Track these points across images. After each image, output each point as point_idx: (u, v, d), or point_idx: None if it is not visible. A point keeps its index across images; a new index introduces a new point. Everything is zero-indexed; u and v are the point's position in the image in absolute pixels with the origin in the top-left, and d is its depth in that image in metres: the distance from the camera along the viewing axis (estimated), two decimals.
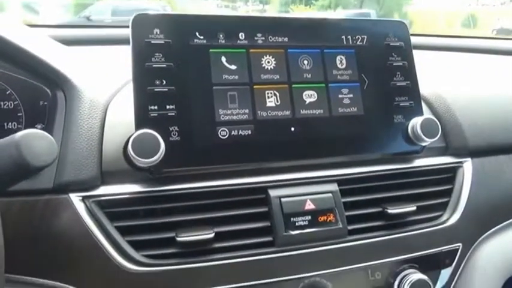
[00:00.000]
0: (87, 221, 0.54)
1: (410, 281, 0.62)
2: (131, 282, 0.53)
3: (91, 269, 0.53)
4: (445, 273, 0.68)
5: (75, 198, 0.54)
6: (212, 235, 0.55)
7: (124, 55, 0.60)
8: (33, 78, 0.60)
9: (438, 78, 0.84)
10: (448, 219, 0.67)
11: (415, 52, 0.70)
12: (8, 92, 0.60)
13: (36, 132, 0.44)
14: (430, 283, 0.63)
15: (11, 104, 0.60)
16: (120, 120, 0.59)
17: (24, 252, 0.53)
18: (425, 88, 0.74)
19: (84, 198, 0.54)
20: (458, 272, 0.69)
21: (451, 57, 1.16)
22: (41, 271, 0.54)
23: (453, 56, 1.17)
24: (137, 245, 0.55)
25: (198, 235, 0.55)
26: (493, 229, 0.72)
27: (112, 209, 0.55)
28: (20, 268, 0.53)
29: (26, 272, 0.53)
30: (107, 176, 0.56)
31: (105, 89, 0.63)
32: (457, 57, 1.17)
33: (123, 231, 0.55)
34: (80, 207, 0.54)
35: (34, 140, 0.43)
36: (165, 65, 0.58)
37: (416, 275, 0.63)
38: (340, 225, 0.61)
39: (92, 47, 0.88)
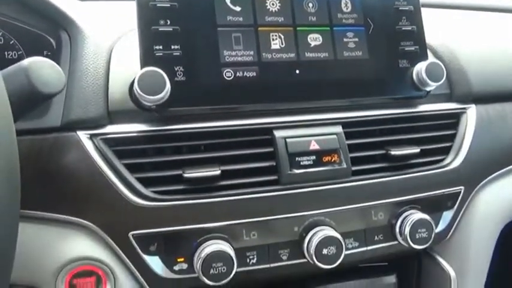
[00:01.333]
0: (96, 159, 0.54)
1: (412, 221, 0.63)
2: (140, 216, 0.55)
3: (101, 203, 0.55)
4: (447, 216, 0.69)
5: (83, 135, 0.55)
6: (218, 172, 0.56)
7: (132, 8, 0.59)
8: (37, 24, 0.60)
9: (444, 30, 0.83)
10: (450, 162, 0.68)
11: (423, 10, 0.69)
12: (11, 42, 0.60)
13: (43, 60, 0.44)
14: (432, 222, 0.64)
15: (14, 54, 0.60)
16: (126, 62, 0.59)
17: (35, 189, 0.54)
18: (430, 37, 0.74)
19: (92, 136, 0.55)
20: (460, 215, 0.70)
21: (457, 15, 1.15)
22: (52, 206, 0.55)
23: (460, 14, 1.16)
24: (145, 182, 0.56)
25: (205, 172, 0.56)
26: (495, 174, 0.73)
27: (120, 147, 0.56)
28: (32, 204, 0.54)
29: (38, 208, 0.55)
30: (113, 115, 0.57)
31: (110, 33, 0.63)
32: (463, 14, 1.15)
33: (132, 168, 0.56)
34: (88, 145, 0.55)
35: (42, 68, 0.44)
36: (169, 5, 0.57)
37: (418, 215, 0.64)
38: (344, 166, 0.62)
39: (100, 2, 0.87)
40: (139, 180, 0.56)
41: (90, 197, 0.55)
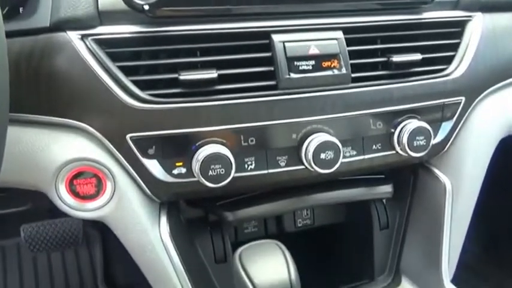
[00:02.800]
0: (89, 60, 0.53)
1: (410, 129, 0.63)
2: (137, 119, 0.54)
3: (97, 106, 0.54)
4: (446, 127, 0.69)
5: (74, 36, 0.53)
6: (215, 75, 0.55)
7: None
8: None
9: None
10: (452, 72, 0.67)
11: None
12: None
13: None
14: (430, 130, 0.64)
15: None
16: None
17: (29, 92, 0.53)
18: None
19: (83, 37, 0.53)
20: (459, 127, 0.70)
21: None
22: (47, 109, 0.54)
23: None
24: (141, 85, 0.55)
25: (201, 74, 0.55)
26: (496, 86, 0.72)
27: (113, 49, 0.54)
28: (27, 108, 0.54)
29: (33, 111, 0.54)
30: (104, 16, 0.54)
31: None
32: None
33: (126, 71, 0.54)
34: (80, 46, 0.53)
35: None
36: None
37: (417, 123, 0.63)
38: (344, 71, 0.60)
39: None
40: (135, 83, 0.54)
41: (85, 99, 0.54)
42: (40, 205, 1.38)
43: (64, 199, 0.55)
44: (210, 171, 0.55)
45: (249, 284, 0.49)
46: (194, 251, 0.69)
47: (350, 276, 0.79)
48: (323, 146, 0.59)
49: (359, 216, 0.82)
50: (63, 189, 0.55)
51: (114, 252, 1.69)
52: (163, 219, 0.61)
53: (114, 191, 0.57)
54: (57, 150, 0.54)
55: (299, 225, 0.85)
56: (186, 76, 0.54)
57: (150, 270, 0.60)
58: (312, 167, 0.59)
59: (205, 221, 0.74)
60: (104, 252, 1.68)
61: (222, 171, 0.55)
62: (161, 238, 0.60)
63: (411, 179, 0.77)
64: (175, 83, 0.55)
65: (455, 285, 0.72)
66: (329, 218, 0.87)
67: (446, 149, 0.71)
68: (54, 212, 1.66)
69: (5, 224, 1.53)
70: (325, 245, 0.88)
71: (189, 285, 0.61)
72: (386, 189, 0.74)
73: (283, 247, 0.53)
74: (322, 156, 0.59)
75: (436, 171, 0.73)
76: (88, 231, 1.70)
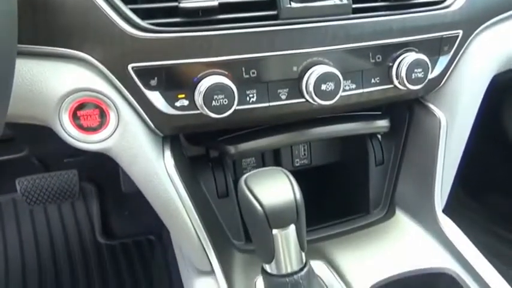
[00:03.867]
0: None
1: (409, 61, 0.64)
2: (138, 48, 0.54)
3: (96, 35, 0.53)
4: (443, 60, 0.69)
5: None
6: (216, 4, 0.54)
7: None
8: None
9: None
10: (451, 4, 0.67)
11: None
12: None
13: None
14: (428, 62, 0.65)
15: None
16: None
17: (25, 22, 0.52)
18: None
19: None
20: (455, 61, 0.71)
21: None
22: (46, 40, 0.53)
23: None
24: (140, 14, 0.54)
25: (201, 2, 0.54)
26: (494, 19, 0.72)
27: None
28: (26, 38, 0.52)
29: (32, 42, 0.53)
30: None
31: None
32: None
33: None
34: None
35: None
36: None
37: (415, 56, 0.64)
38: (345, 1, 0.60)
39: None
40: (134, 11, 0.53)
41: (84, 28, 0.53)
42: (37, 152, 1.37)
43: (69, 131, 0.55)
44: (213, 101, 0.56)
45: (255, 203, 0.51)
46: (198, 185, 0.71)
47: (346, 211, 0.82)
48: (324, 77, 0.59)
49: (355, 154, 0.84)
50: (67, 121, 0.55)
51: (111, 205, 1.72)
52: (168, 153, 0.62)
53: (118, 123, 0.57)
54: (58, 81, 0.54)
55: (297, 164, 0.88)
56: (186, 4, 0.53)
57: (157, 200, 0.62)
58: (313, 99, 0.60)
59: (206, 158, 0.76)
60: (100, 206, 1.71)
61: (225, 101, 0.56)
62: (166, 169, 0.61)
63: (407, 115, 0.78)
64: (175, 11, 0.54)
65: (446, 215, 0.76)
66: (326, 157, 0.89)
67: (442, 83, 0.72)
68: (48, 165, 1.66)
69: (0, 179, 1.53)
70: (322, 184, 0.91)
71: (195, 215, 0.63)
72: (383, 123, 0.75)
73: (288, 172, 0.54)
74: (323, 87, 0.60)
75: (432, 106, 0.75)
76: (84, 185, 1.71)
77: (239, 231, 0.75)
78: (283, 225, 0.52)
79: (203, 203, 0.70)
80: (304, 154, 0.89)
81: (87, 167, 1.63)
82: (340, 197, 0.88)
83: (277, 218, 0.51)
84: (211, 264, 0.65)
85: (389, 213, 0.80)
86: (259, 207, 0.51)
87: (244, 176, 0.54)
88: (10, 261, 1.51)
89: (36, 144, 1.20)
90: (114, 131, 0.57)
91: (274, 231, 0.52)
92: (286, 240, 0.53)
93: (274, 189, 0.52)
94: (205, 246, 0.65)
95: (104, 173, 1.70)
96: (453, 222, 0.75)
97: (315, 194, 0.88)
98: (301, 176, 0.85)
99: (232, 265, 0.69)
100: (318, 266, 0.68)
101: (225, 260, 0.67)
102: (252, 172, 0.55)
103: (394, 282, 0.67)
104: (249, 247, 0.73)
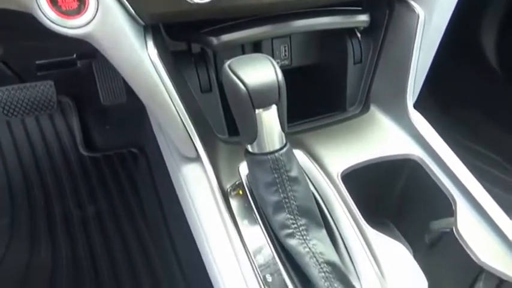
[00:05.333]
0: None
1: None
2: None
3: None
4: None
5: None
6: None
7: None
8: None
9: None
10: None
11: None
12: None
13: None
14: None
15: None
16: None
17: None
18: None
19: None
20: None
21: None
22: None
23: None
24: None
25: None
26: None
27: None
28: None
29: None
30: None
31: None
32: None
33: None
34: None
35: None
36: None
37: None
38: None
39: None
40: None
41: None
42: (10, 58, 1.33)
43: (46, 13, 0.54)
44: None
45: (239, 83, 0.53)
46: (182, 79, 0.72)
47: (325, 108, 0.86)
48: None
49: (334, 53, 0.86)
50: (44, 3, 0.54)
51: (91, 119, 1.72)
52: (150, 43, 0.62)
53: (98, 6, 0.56)
54: None
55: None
56: None
57: (143, 88, 0.63)
58: None
59: (189, 54, 0.76)
60: (80, 120, 1.71)
61: None
62: (150, 58, 0.61)
63: (386, 11, 0.79)
64: None
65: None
66: (306, 58, 0.91)
67: None
68: (23, 78, 1.61)
69: None
70: (302, 84, 0.93)
71: (181, 104, 0.65)
72: (363, 18, 0.76)
73: (270, 57, 0.56)
74: None
75: (412, 3, 0.76)
76: (61, 99, 1.69)
77: (223, 126, 0.79)
78: (265, 105, 0.55)
79: (188, 96, 0.72)
80: (285, 55, 0.90)
81: (63, 81, 1.60)
82: (319, 96, 0.91)
83: (260, 97, 0.54)
84: (196, 151, 0.69)
85: (364, 109, 0.84)
86: (242, 87, 0.53)
87: (229, 61, 0.56)
88: None
89: (10, 46, 1.16)
90: (94, 16, 0.56)
91: (257, 110, 0.55)
92: (268, 119, 0.57)
93: (257, 71, 0.54)
94: (190, 133, 0.68)
95: (80, 86, 1.67)
96: (422, 116, 0.80)
97: (295, 94, 0.91)
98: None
99: (216, 153, 0.73)
100: (297, 153, 0.72)
101: (209, 149, 0.71)
102: (235, 58, 0.56)
103: (364, 167, 0.74)
104: (233, 140, 0.77)
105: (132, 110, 1.43)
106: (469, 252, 0.63)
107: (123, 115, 1.68)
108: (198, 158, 0.71)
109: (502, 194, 0.77)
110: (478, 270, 0.64)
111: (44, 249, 1.37)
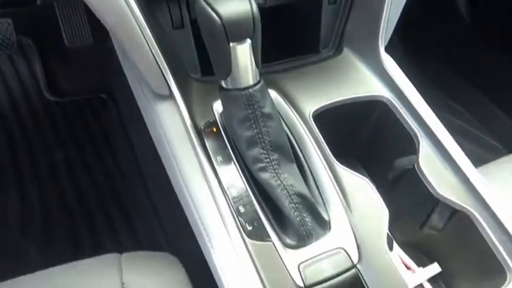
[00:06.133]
0: None
1: None
2: None
3: None
4: None
5: None
6: None
7: None
8: None
9: None
10: None
11: None
12: None
13: None
14: None
15: None
16: None
17: None
18: None
19: None
20: None
21: None
22: None
23: None
24: None
25: None
26: None
27: None
28: None
29: None
30: None
31: None
32: None
33: None
34: None
35: None
36: None
37: None
38: None
39: None
40: None
41: None
42: None
43: None
44: None
45: (214, 15, 0.52)
46: (153, 15, 0.69)
47: (299, 50, 0.86)
48: None
49: None
50: None
51: (56, 61, 1.64)
52: None
53: None
54: None
55: None
56: None
57: (113, 21, 0.61)
58: None
59: None
60: (43, 62, 1.62)
61: None
62: None
63: None
64: None
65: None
66: None
67: None
68: None
69: None
70: (276, 26, 0.92)
71: (153, 40, 0.63)
72: None
73: None
74: None
75: None
76: (21, 39, 1.59)
77: (196, 65, 0.78)
78: (240, 38, 0.55)
79: (160, 32, 0.70)
80: None
81: (22, 20, 1.49)
82: (293, 38, 0.90)
83: (234, 29, 0.53)
84: (169, 88, 0.69)
85: (338, 52, 0.85)
86: (217, 18, 0.52)
87: None
88: None
89: None
90: None
91: (231, 44, 0.55)
92: (242, 54, 0.56)
93: (231, 3, 0.53)
94: (163, 70, 0.67)
95: (41, 26, 1.58)
96: (393, 60, 0.82)
97: (270, 35, 0.90)
98: None
99: (189, 92, 0.72)
100: (270, 93, 0.73)
101: (182, 87, 0.71)
102: None
103: (336, 107, 0.76)
104: (206, 79, 0.77)
105: (100, 53, 1.37)
106: (427, 186, 0.68)
107: (89, 58, 1.61)
108: (171, 96, 0.70)
109: (462, 141, 0.81)
110: (434, 203, 0.70)
111: (13, 194, 1.36)
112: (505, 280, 0.60)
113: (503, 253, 0.62)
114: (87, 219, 1.30)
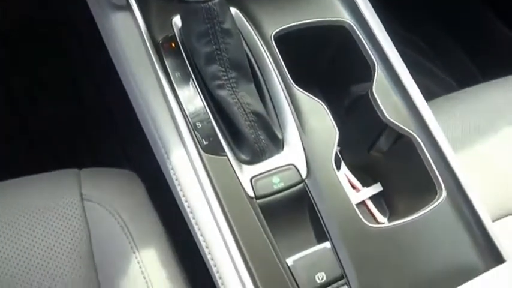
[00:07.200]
0: None
1: None
2: None
3: None
4: None
5: None
6: None
7: None
8: None
9: None
10: None
11: None
12: None
13: None
14: None
15: None
16: None
17: None
18: None
19: None
20: None
21: None
22: None
23: None
24: None
25: None
26: None
27: None
28: None
29: None
30: None
31: None
32: None
33: None
34: None
35: None
36: None
37: None
38: None
39: None
40: None
41: None
42: None
43: None
44: None
45: None
46: None
47: None
48: None
49: None
50: None
51: None
52: None
53: None
54: None
55: None
56: None
57: None
58: None
59: None
60: None
61: None
62: None
63: None
64: None
65: None
66: None
67: None
68: None
69: None
70: None
71: None
72: None
73: None
74: None
75: None
76: None
77: None
78: None
79: None
80: None
81: None
82: None
83: None
84: None
85: None
86: None
87: None
88: None
89: None
90: None
91: None
92: None
93: None
94: None
95: None
96: None
97: None
98: None
99: (147, 4, 0.69)
100: (232, 10, 0.72)
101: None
102: None
103: (298, 30, 0.75)
104: None
105: None
106: (377, 110, 0.71)
107: None
108: (127, 7, 0.67)
109: (417, 74, 0.84)
110: (382, 128, 0.74)
111: None
112: (436, 196, 0.67)
113: (437, 173, 0.68)
114: (45, 135, 1.28)
